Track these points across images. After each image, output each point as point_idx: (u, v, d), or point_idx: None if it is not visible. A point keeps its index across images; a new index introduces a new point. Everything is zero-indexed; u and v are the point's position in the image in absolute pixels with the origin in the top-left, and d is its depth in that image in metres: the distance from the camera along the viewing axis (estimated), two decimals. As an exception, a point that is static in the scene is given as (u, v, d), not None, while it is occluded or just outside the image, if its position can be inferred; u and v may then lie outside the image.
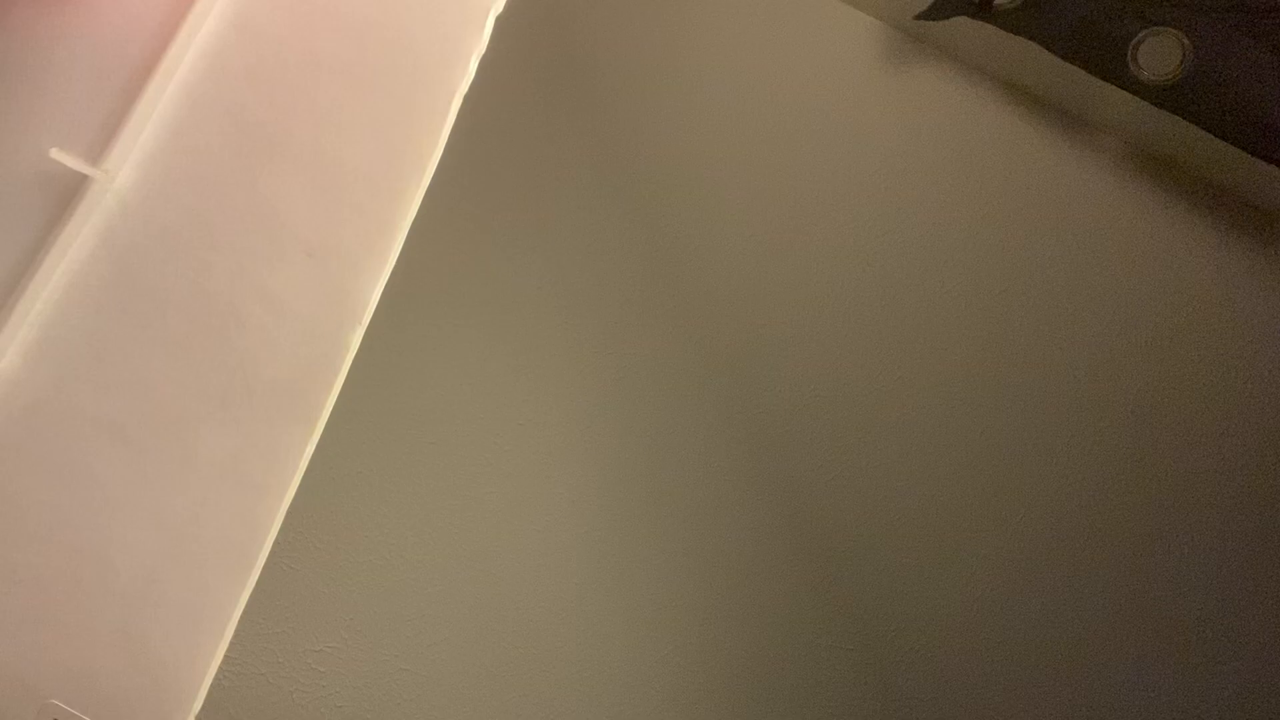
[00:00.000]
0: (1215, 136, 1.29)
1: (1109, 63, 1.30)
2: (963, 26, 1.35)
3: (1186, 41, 1.25)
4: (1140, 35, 1.27)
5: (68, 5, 1.36)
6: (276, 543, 1.23)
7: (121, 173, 1.32)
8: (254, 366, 1.29)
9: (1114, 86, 1.30)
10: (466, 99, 1.37)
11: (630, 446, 1.29)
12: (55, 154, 1.29)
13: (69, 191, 1.31)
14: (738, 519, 1.28)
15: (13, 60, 1.35)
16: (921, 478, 1.30)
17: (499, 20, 1.40)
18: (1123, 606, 1.27)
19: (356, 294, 1.32)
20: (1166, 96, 1.29)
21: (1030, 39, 1.32)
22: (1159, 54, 1.27)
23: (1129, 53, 1.28)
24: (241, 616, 1.21)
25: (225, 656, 1.20)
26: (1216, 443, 1.31)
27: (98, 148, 1.32)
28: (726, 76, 1.41)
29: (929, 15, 1.36)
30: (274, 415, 1.28)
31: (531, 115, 1.38)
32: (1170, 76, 1.27)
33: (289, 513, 1.24)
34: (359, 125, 1.37)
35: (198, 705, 1.20)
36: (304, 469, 1.26)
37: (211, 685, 1.20)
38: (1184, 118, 1.29)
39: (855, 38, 1.42)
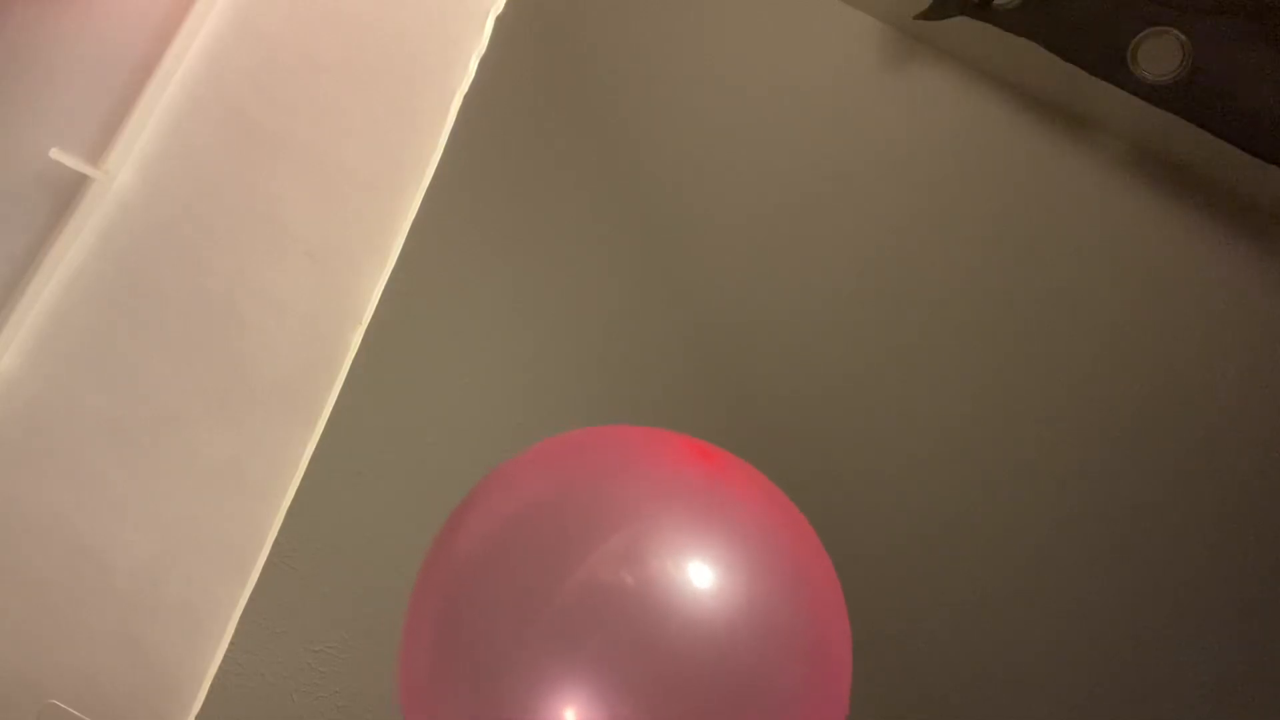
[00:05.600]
0: (1215, 136, 1.29)
1: (1109, 63, 1.30)
2: (963, 26, 1.35)
3: (1186, 41, 1.25)
4: (1140, 35, 1.27)
5: (68, 5, 1.36)
6: (276, 543, 1.23)
7: (121, 173, 1.32)
8: (254, 366, 1.29)
9: (1114, 86, 1.30)
10: (466, 99, 1.37)
11: (630, 446, 1.29)
12: (55, 154, 1.29)
13: (69, 191, 1.31)
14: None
15: (13, 60, 1.35)
16: (919, 477, 1.30)
17: (499, 20, 1.40)
18: (1123, 606, 1.27)
19: (356, 294, 1.32)
20: (1166, 96, 1.29)
21: (1030, 39, 1.32)
22: (1159, 54, 1.27)
23: (1129, 53, 1.28)
24: (241, 616, 1.21)
25: (225, 656, 1.20)
26: (1217, 442, 1.31)
27: (98, 148, 1.32)
28: (726, 76, 1.41)
29: (929, 15, 1.36)
30: (274, 415, 1.28)
31: (531, 115, 1.38)
32: (1170, 76, 1.27)
33: (289, 513, 1.24)
34: (359, 125, 1.37)
35: (198, 705, 1.20)
36: (304, 469, 1.26)
37: (211, 685, 1.20)
38: (1184, 118, 1.29)
39: (855, 38, 1.42)
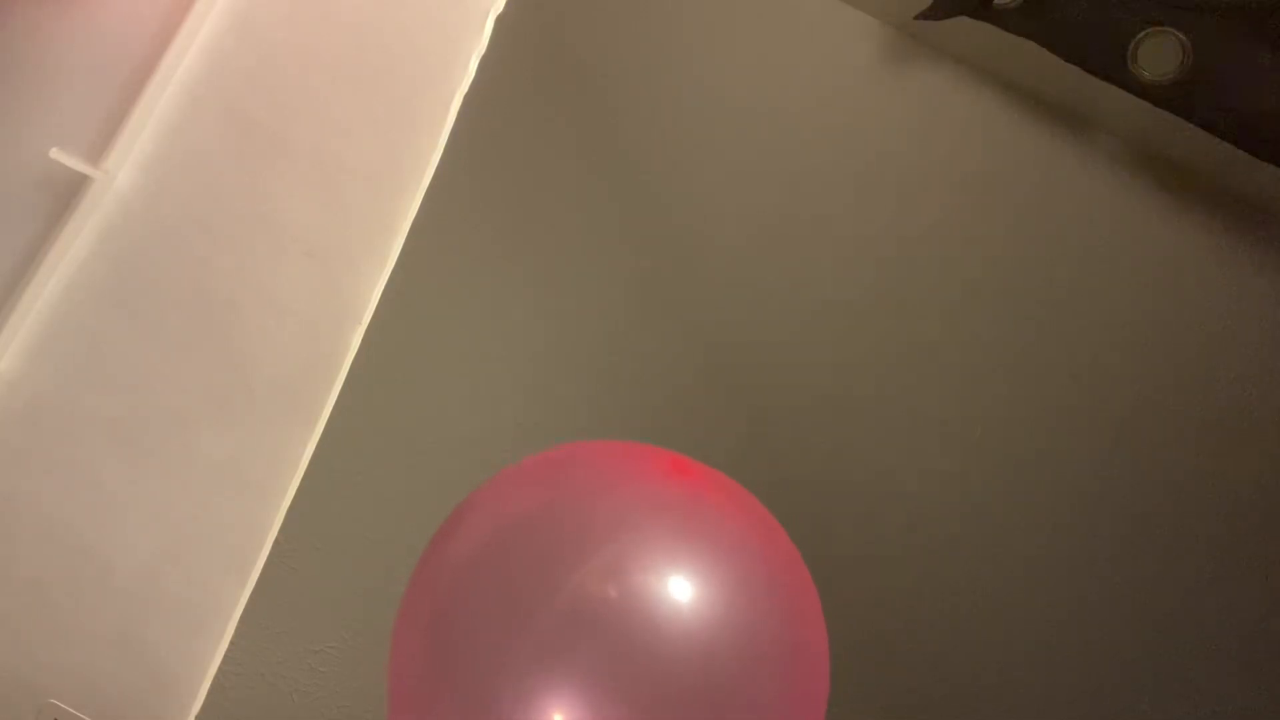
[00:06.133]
0: (1215, 136, 1.29)
1: (1109, 63, 1.30)
2: (963, 26, 1.35)
3: (1186, 41, 1.25)
4: (1140, 35, 1.27)
5: (68, 5, 1.36)
6: (276, 543, 1.23)
7: (121, 173, 1.32)
8: (254, 366, 1.29)
9: (1114, 86, 1.30)
10: (466, 99, 1.37)
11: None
12: (55, 154, 1.29)
13: (69, 191, 1.31)
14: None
15: (13, 60, 1.35)
16: (920, 478, 1.30)
17: (499, 20, 1.40)
18: (1121, 607, 1.27)
19: (356, 294, 1.32)
20: (1166, 96, 1.28)
21: (1030, 39, 1.32)
22: (1159, 54, 1.27)
23: (1129, 53, 1.28)
24: (241, 616, 1.21)
25: (225, 656, 1.20)
26: (1217, 442, 1.31)
27: (98, 148, 1.32)
28: (726, 76, 1.41)
29: (929, 15, 1.36)
30: (274, 415, 1.28)
31: (531, 115, 1.38)
32: (1170, 76, 1.27)
33: (289, 513, 1.24)
34: (359, 125, 1.37)
35: (198, 705, 1.20)
36: (304, 469, 1.26)
37: (211, 685, 1.20)
38: (1184, 118, 1.29)
39: (855, 38, 1.42)
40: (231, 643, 1.21)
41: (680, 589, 0.64)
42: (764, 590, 0.69)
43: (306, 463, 1.26)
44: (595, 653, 0.61)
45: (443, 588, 0.71)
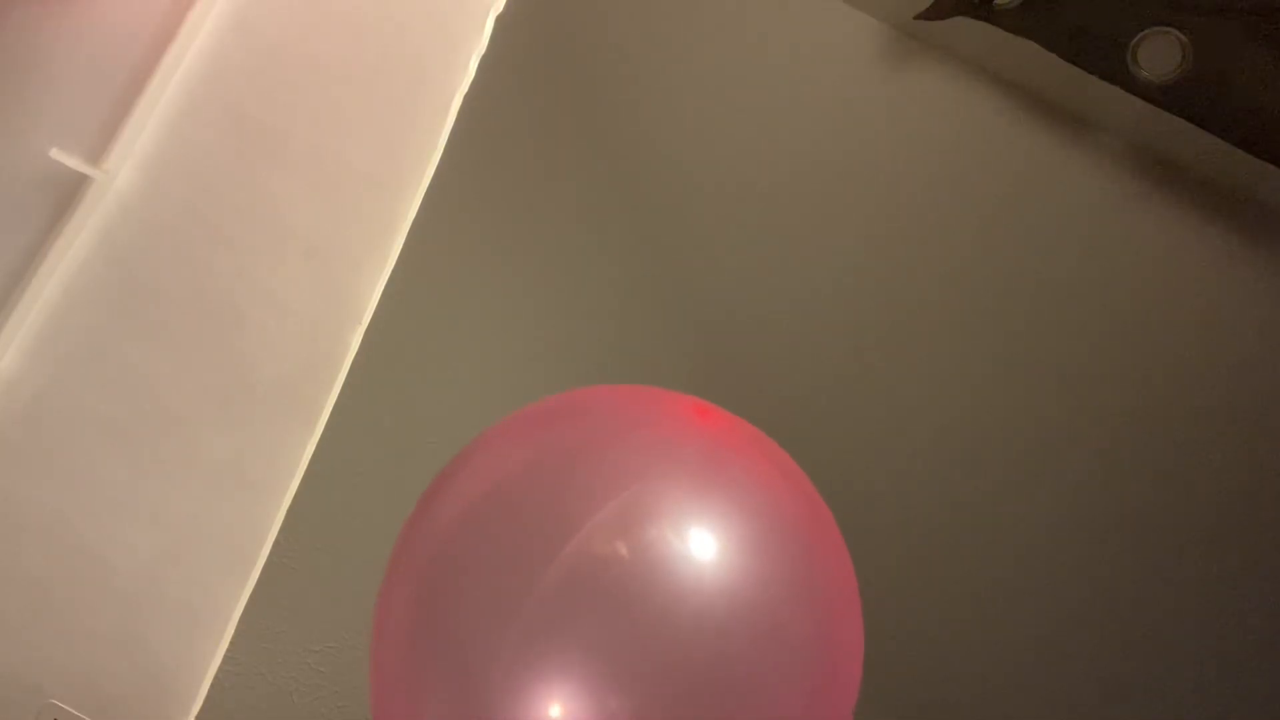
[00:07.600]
0: (1215, 136, 1.29)
1: (1109, 63, 1.30)
2: (963, 26, 1.35)
3: (1186, 41, 1.25)
4: (1140, 35, 1.27)
5: (68, 5, 1.36)
6: (276, 543, 1.23)
7: (121, 173, 1.32)
8: (254, 366, 1.29)
9: (1114, 86, 1.30)
10: (466, 99, 1.37)
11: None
12: (55, 154, 1.29)
13: (69, 191, 1.31)
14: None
15: (13, 60, 1.35)
16: (917, 478, 1.30)
17: (499, 20, 1.40)
18: (1122, 607, 1.27)
19: (356, 294, 1.32)
20: (1166, 96, 1.29)
21: (1030, 39, 1.32)
22: (1159, 54, 1.27)
23: (1129, 53, 1.28)
24: (241, 616, 1.21)
25: (225, 656, 1.20)
26: (1216, 442, 1.31)
27: (98, 148, 1.32)
28: (726, 76, 1.41)
29: (929, 15, 1.36)
30: (274, 415, 1.28)
31: (531, 115, 1.38)
32: (1170, 76, 1.27)
33: (289, 513, 1.24)
34: (359, 125, 1.37)
35: (198, 705, 1.20)
36: (304, 469, 1.26)
37: (211, 685, 1.20)
38: (1184, 118, 1.29)
39: (855, 38, 1.42)
40: (231, 643, 1.21)
41: (695, 555, 0.55)
42: (796, 565, 0.61)
43: (306, 463, 1.26)
44: (596, 629, 0.54)
45: (430, 549, 0.63)
